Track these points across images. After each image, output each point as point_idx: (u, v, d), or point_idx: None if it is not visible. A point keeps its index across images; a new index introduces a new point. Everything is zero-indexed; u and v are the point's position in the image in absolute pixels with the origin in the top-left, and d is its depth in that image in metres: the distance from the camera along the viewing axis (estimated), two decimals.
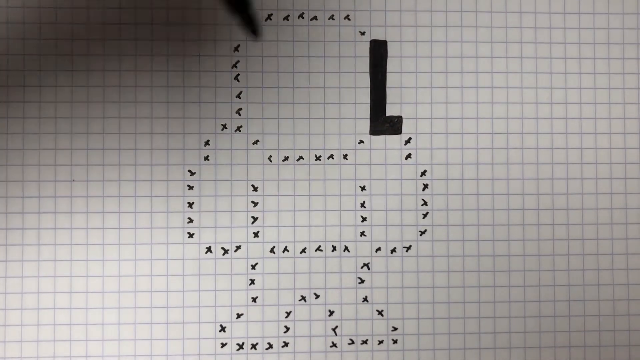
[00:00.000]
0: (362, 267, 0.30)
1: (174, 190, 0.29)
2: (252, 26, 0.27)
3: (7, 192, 0.29)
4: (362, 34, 0.30)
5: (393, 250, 0.30)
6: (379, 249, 0.30)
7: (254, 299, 0.30)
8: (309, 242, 0.30)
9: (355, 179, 0.30)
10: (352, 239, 0.30)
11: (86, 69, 0.29)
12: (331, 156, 0.30)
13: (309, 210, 0.30)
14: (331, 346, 0.30)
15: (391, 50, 0.30)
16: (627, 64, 0.31)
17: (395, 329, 0.30)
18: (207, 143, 0.30)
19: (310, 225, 0.30)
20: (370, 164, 0.30)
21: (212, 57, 0.30)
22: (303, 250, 0.30)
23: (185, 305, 0.29)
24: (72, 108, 0.29)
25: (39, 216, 0.29)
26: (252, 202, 0.30)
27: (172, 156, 0.29)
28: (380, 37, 0.30)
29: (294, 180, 0.30)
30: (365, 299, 0.30)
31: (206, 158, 0.29)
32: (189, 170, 0.29)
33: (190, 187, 0.29)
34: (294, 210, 0.30)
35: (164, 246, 0.29)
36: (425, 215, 0.30)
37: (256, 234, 0.30)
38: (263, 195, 0.30)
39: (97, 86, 0.29)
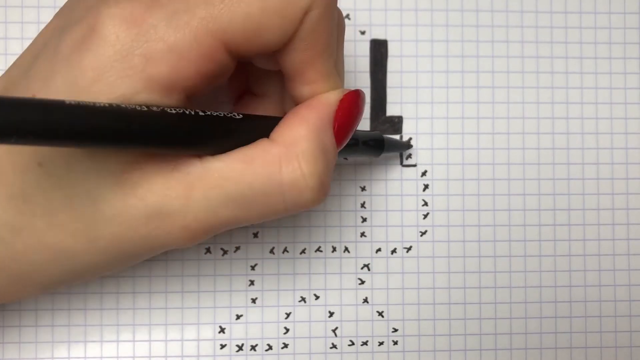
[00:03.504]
0: (362, 268, 0.30)
1: None
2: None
3: None
4: (362, 33, 0.30)
5: (393, 251, 0.30)
6: (379, 249, 0.30)
7: (254, 300, 0.29)
8: (309, 242, 0.30)
9: (356, 179, 0.30)
10: (352, 240, 0.30)
11: None
12: None
13: (309, 211, 0.30)
14: (331, 347, 0.30)
15: (392, 49, 0.30)
16: (628, 63, 0.31)
17: (395, 330, 0.30)
18: None
19: (310, 226, 0.30)
20: (371, 164, 0.30)
21: None
22: (303, 251, 0.30)
23: (184, 307, 0.29)
24: None
25: None
26: None
27: None
28: (381, 37, 0.30)
29: None
30: (365, 300, 0.30)
31: None
32: None
33: None
34: None
35: None
36: (425, 216, 0.30)
37: (256, 235, 0.30)
38: None
39: None
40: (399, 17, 0.30)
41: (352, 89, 0.22)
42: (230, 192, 0.20)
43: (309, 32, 0.20)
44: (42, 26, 0.29)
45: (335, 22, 0.22)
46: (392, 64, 0.30)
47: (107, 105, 0.17)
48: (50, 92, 0.19)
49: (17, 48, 0.29)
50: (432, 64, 0.30)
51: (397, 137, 0.30)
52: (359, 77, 0.30)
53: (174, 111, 0.19)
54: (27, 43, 0.29)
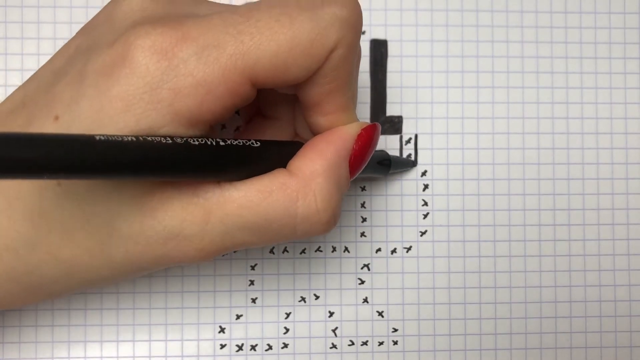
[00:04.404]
0: (362, 268, 0.30)
1: None
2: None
3: None
4: (362, 33, 0.30)
5: (393, 251, 0.30)
6: (379, 249, 0.30)
7: (254, 300, 0.30)
8: (309, 242, 0.30)
9: (356, 179, 0.30)
10: (352, 240, 0.30)
11: None
12: None
13: None
14: (331, 347, 0.30)
15: (392, 49, 0.30)
16: (628, 63, 0.31)
17: (395, 330, 0.30)
18: None
19: None
20: None
21: None
22: (303, 251, 0.30)
23: (184, 307, 0.29)
24: None
25: None
26: None
27: None
28: (381, 37, 0.30)
29: None
30: (365, 300, 0.30)
31: None
32: None
33: None
34: None
35: None
36: (425, 216, 0.30)
37: None
38: None
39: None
40: (399, 17, 0.30)
41: (369, 123, 0.23)
42: (247, 221, 0.20)
43: (332, 70, 0.21)
44: (42, 26, 0.29)
45: (357, 60, 0.22)
46: (392, 64, 0.30)
47: (134, 139, 0.18)
48: (75, 117, 0.19)
49: (17, 48, 0.29)
50: (432, 64, 0.30)
51: (399, 154, 0.30)
52: (359, 77, 0.30)
53: (196, 142, 0.19)
54: (27, 43, 0.29)
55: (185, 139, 0.19)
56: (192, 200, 0.20)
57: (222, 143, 0.20)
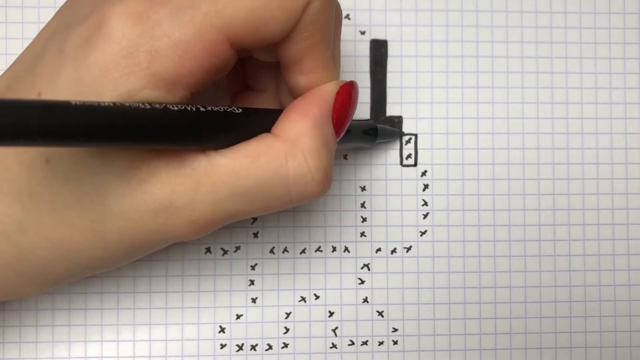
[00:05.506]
0: (362, 268, 0.30)
1: None
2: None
3: None
4: (362, 33, 0.30)
5: (393, 251, 0.30)
6: (379, 249, 0.30)
7: (254, 300, 0.30)
8: (309, 242, 0.30)
9: (355, 179, 0.30)
10: (352, 240, 0.30)
11: None
12: None
13: (309, 211, 0.30)
14: (331, 347, 0.30)
15: (391, 49, 0.30)
16: (628, 63, 0.31)
17: (395, 330, 0.30)
18: None
19: (310, 226, 0.30)
20: (371, 164, 0.30)
21: None
22: (303, 251, 0.30)
23: (184, 307, 0.29)
24: None
25: None
26: None
27: None
28: (381, 37, 0.30)
29: None
30: (365, 300, 0.30)
31: None
32: None
33: None
34: (294, 211, 0.30)
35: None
36: (425, 216, 0.30)
37: (256, 235, 0.30)
38: None
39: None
40: (399, 17, 0.30)
41: (346, 80, 0.23)
42: (237, 187, 0.20)
43: (310, 23, 0.21)
44: (43, 26, 0.29)
45: (334, 14, 0.22)
46: (392, 64, 0.30)
47: (111, 104, 0.17)
48: (56, 90, 0.19)
49: (17, 48, 0.29)
50: (432, 64, 0.30)
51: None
52: (359, 77, 0.30)
53: (175, 108, 0.19)
54: (27, 43, 0.29)
55: (164, 105, 0.19)
56: (180, 170, 0.20)
57: (202, 109, 0.20)
